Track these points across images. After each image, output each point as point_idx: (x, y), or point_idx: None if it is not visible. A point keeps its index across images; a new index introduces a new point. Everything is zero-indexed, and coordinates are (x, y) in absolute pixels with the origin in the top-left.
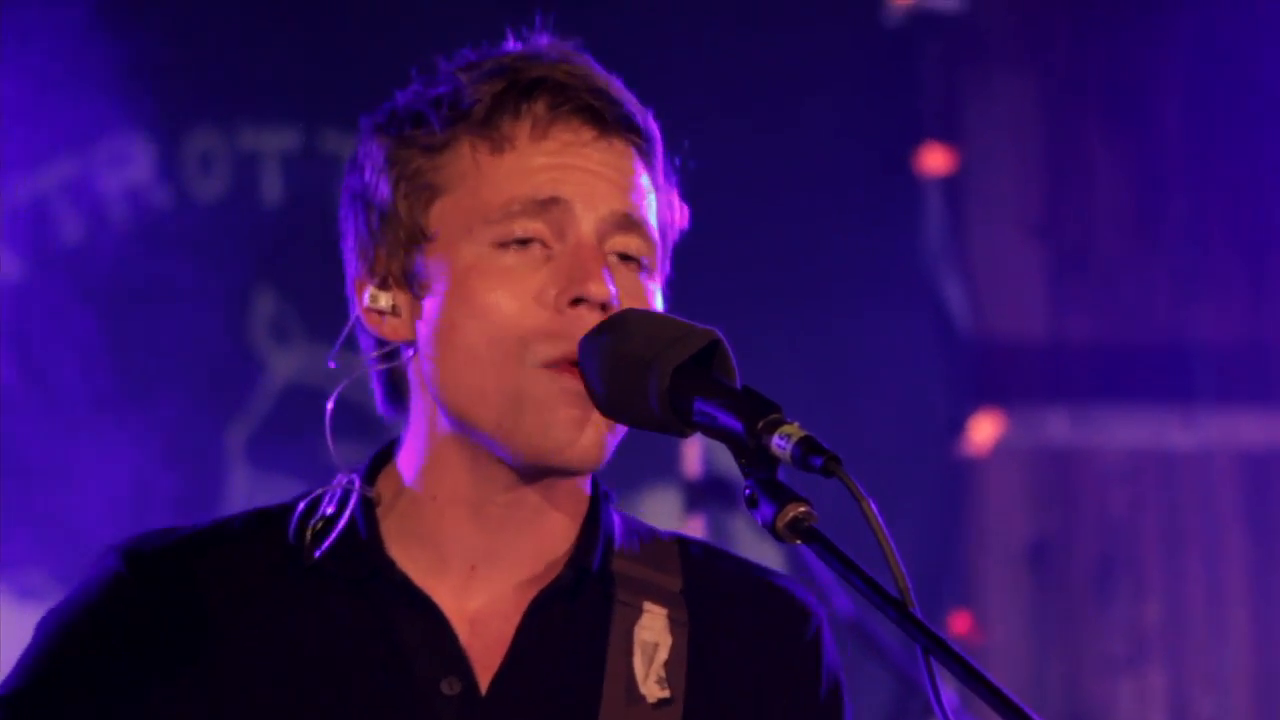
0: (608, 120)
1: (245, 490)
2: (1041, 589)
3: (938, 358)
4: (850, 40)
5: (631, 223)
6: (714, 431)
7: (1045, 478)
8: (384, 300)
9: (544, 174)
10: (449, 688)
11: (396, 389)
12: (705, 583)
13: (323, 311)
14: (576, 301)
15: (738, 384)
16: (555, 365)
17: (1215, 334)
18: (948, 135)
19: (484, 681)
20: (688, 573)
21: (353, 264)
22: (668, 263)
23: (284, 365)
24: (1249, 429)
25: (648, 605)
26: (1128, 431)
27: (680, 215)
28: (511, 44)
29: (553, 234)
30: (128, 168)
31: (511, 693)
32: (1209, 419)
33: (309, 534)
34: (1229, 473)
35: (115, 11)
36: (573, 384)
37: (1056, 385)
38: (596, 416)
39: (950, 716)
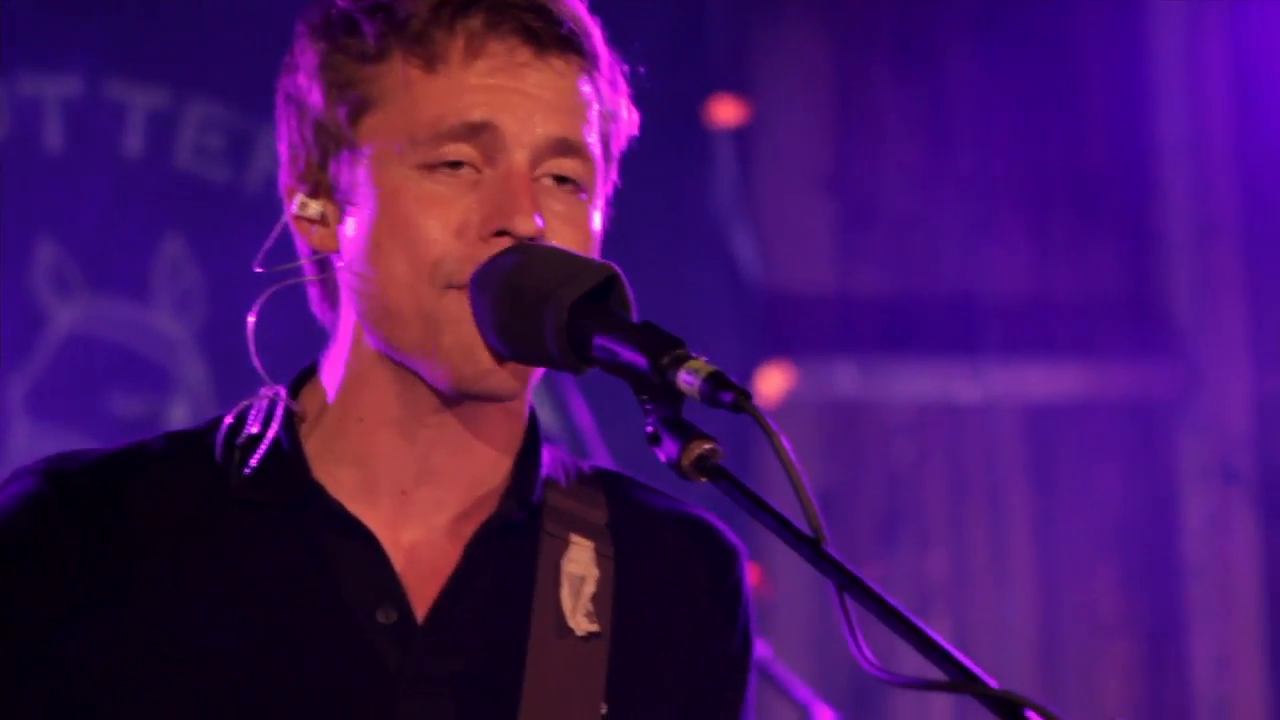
0: (547, 39)
1: (25, 444)
2: (828, 539)
3: (727, 309)
4: None
5: (568, 146)
6: (614, 367)
7: (833, 429)
8: (313, 208)
9: (476, 96)
10: (384, 616)
11: (329, 297)
12: (631, 516)
13: (105, 263)
14: (501, 233)
15: (635, 319)
16: (463, 288)
17: (1001, 288)
18: (738, 87)
19: (420, 611)
20: (614, 506)
21: (284, 170)
22: (614, 171)
23: (65, 317)
24: (1033, 382)
25: (574, 538)
26: (915, 384)
27: (629, 122)
28: None
29: (483, 159)
30: None
31: (447, 624)
32: (994, 372)
33: (236, 454)
34: (1014, 425)
35: None
36: None
37: (844, 337)
38: None
39: (869, 655)
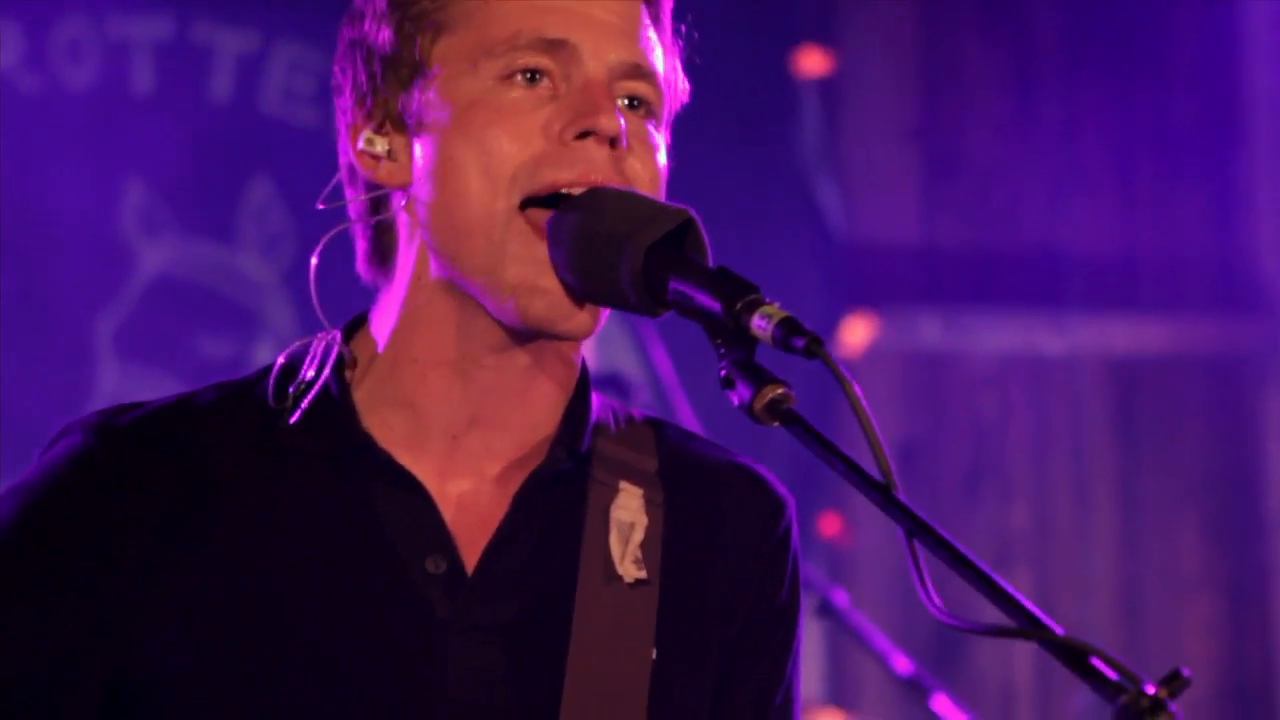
0: None
1: (114, 383)
2: (910, 491)
3: (811, 260)
4: None
5: (641, 71)
6: (689, 311)
7: (916, 381)
8: (380, 144)
9: (553, 15)
10: (434, 566)
11: (381, 244)
12: (681, 465)
13: (193, 203)
14: (583, 135)
15: (710, 264)
16: (546, 196)
17: (1085, 240)
18: (824, 38)
19: (470, 561)
20: (663, 454)
21: (348, 112)
22: (669, 131)
23: (153, 257)
24: (1117, 335)
25: (624, 485)
26: (998, 336)
27: (682, 87)
28: None
29: (560, 74)
30: None
31: (497, 573)
32: (1078, 325)
33: (288, 400)
34: (1097, 378)
35: None
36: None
37: (928, 289)
38: None
39: (936, 599)
